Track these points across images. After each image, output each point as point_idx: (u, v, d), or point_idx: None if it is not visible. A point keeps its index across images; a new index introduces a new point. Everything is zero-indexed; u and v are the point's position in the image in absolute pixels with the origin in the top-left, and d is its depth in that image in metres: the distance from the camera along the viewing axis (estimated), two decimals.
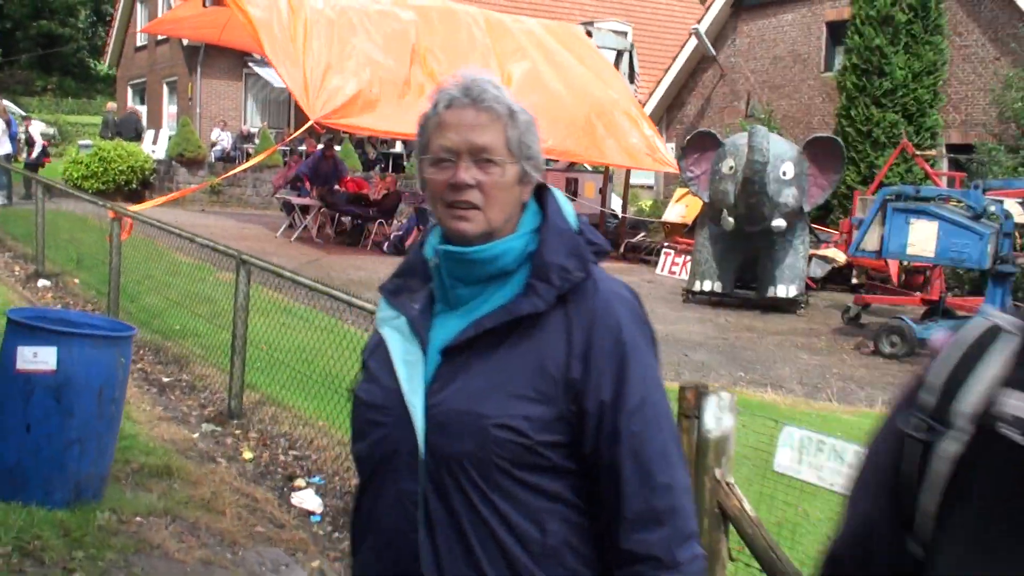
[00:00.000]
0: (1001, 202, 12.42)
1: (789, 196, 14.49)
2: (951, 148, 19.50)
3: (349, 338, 8.25)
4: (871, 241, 12.87)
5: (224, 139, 29.98)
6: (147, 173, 26.34)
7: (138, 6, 37.35)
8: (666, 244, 18.77)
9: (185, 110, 31.42)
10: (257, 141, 29.71)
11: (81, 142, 31.30)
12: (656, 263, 19.60)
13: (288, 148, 29.82)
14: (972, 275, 16.58)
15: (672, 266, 18.33)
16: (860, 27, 18.99)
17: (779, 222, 14.38)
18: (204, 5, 18.81)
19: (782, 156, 14.39)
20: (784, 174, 14.41)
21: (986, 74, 19.02)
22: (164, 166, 27.16)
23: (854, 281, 17.64)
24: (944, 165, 19.41)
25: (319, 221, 19.96)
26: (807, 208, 14.98)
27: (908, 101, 18.79)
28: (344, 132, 24.85)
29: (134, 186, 26.01)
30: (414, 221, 18.71)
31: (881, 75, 18.85)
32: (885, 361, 12.07)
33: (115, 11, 38.97)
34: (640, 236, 20.98)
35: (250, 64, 30.77)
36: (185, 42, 30.28)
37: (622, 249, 20.63)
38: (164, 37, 32.15)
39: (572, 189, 21.90)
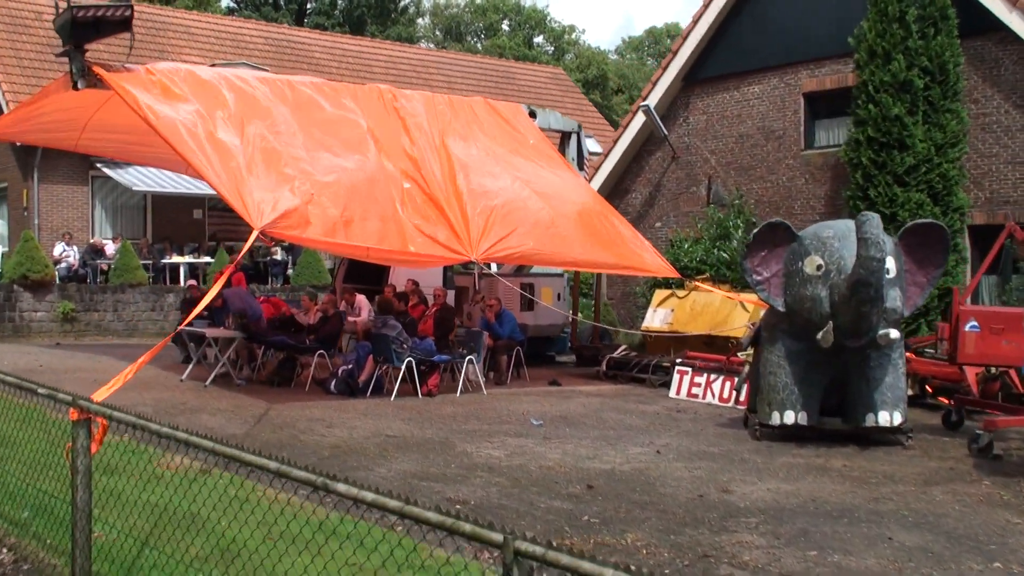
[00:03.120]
0: None
1: (895, 299, 11.42)
2: (975, 230, 16.97)
3: None
4: None
5: (70, 254, 25.20)
6: None
7: None
8: (679, 361, 15.39)
9: (19, 222, 26.46)
10: (114, 254, 25.07)
11: None
12: (655, 383, 16.26)
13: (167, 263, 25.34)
14: None
15: (693, 388, 14.97)
16: (874, 95, 16.32)
17: (894, 332, 11.24)
18: (75, 87, 14.60)
19: None
20: (888, 272, 11.33)
21: (1013, 145, 16.63)
22: (3, 291, 22.28)
23: (909, 392, 14.76)
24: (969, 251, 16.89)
25: (233, 357, 15.76)
26: (906, 312, 11.92)
27: (934, 178, 16.18)
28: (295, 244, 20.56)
29: None
30: (366, 350, 14.78)
31: (902, 149, 16.19)
32: None
33: None
34: (622, 350, 17.56)
35: (98, 164, 26.15)
36: (18, 143, 25.51)
37: (604, 367, 17.17)
38: None
39: (530, 295, 18.44)
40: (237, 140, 13.52)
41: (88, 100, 15.72)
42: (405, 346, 14.34)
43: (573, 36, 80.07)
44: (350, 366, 14.70)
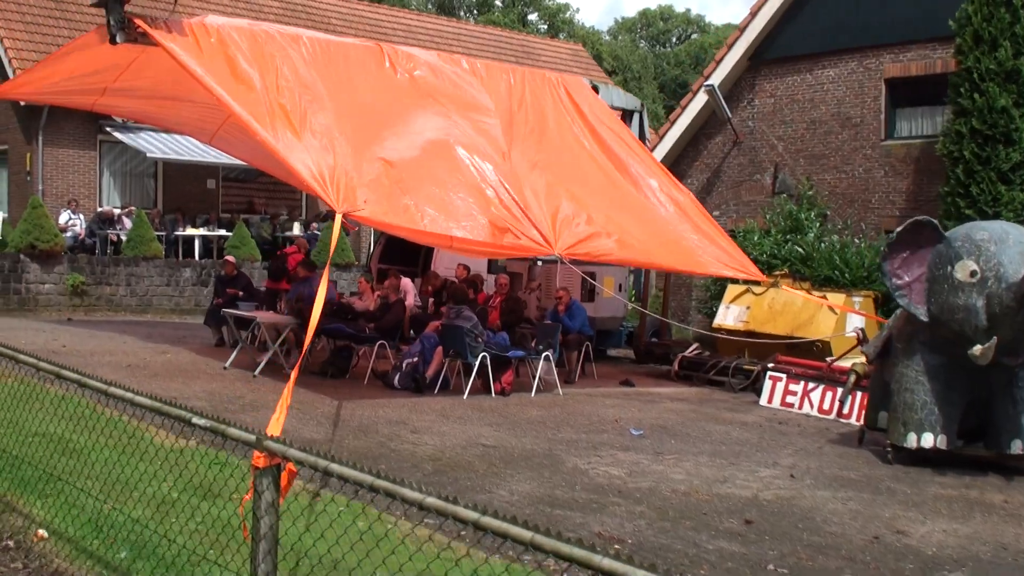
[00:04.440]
0: None
1: None
2: None
3: None
4: None
5: (77, 223, 23.65)
6: None
7: None
8: (770, 366, 14.16)
9: (21, 187, 24.85)
10: (125, 225, 23.56)
11: None
12: (736, 387, 15.05)
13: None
14: None
15: (787, 396, 13.75)
16: (979, 83, 15.11)
17: None
18: (113, 41, 13.08)
19: None
20: None
21: None
22: (9, 261, 20.75)
23: None
24: None
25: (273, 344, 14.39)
26: None
27: None
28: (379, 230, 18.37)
29: None
30: (432, 342, 13.47)
31: (1008, 144, 15.01)
32: None
33: None
34: (694, 349, 16.33)
35: (107, 128, 24.56)
36: (22, 101, 23.81)
37: (676, 366, 15.95)
38: None
39: (590, 287, 17.15)
40: (306, 113, 12.15)
41: (117, 58, 14.20)
42: (479, 339, 13.05)
43: (567, 15, 78.61)
44: (415, 359, 13.38)
